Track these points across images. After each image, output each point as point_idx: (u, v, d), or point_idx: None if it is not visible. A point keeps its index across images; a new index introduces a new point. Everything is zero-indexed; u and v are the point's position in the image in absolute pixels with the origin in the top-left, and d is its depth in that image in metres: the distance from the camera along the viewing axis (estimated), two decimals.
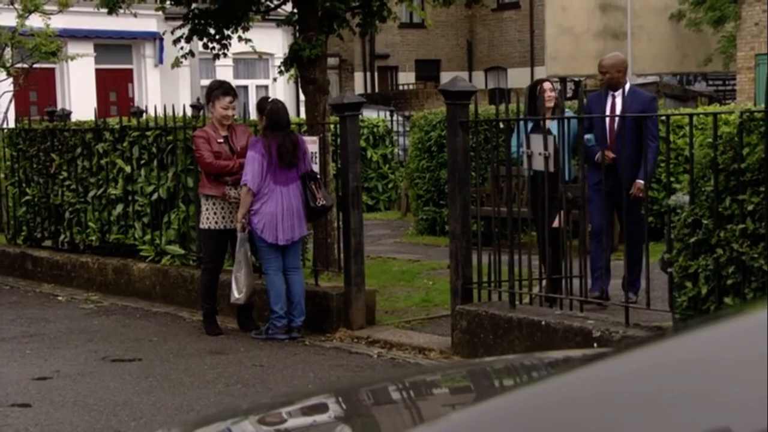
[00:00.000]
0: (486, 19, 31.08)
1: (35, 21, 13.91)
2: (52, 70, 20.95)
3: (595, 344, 5.75)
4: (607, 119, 7.44)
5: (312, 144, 7.84)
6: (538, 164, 6.32)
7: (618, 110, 7.21)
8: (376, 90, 29.32)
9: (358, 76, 29.69)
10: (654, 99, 7.66)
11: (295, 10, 9.18)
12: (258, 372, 6.41)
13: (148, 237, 9.10)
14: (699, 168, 5.25)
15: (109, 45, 22.53)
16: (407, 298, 8.73)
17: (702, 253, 5.17)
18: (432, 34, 30.72)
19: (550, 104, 7.60)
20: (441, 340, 7.02)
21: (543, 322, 6.10)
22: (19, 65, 14.26)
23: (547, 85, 7.86)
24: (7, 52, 13.97)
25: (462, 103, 6.69)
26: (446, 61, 32.13)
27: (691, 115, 5.79)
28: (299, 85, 10.28)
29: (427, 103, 24.59)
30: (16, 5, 13.71)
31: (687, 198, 5.32)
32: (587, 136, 7.39)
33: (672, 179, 6.82)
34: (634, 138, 6.96)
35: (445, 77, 31.94)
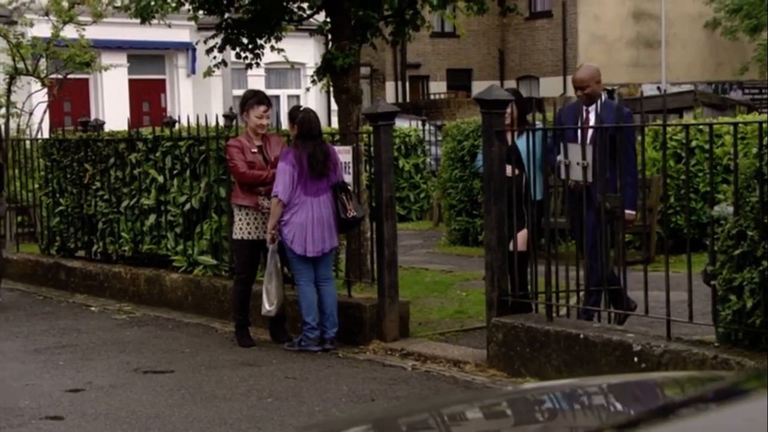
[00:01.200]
0: (518, 27, 30.93)
1: (70, 32, 14.01)
2: (86, 80, 21.10)
3: (636, 359, 5.61)
4: (580, 136, 6.72)
5: (345, 154, 7.77)
6: (576, 174, 6.20)
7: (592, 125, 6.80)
8: (408, 99, 29.26)
9: (390, 86, 29.64)
10: (630, 114, 6.94)
11: (328, 20, 9.13)
12: (291, 385, 6.33)
13: (180, 247, 9.07)
14: (743, 178, 5.11)
15: (142, 55, 22.67)
16: (441, 309, 8.62)
17: (747, 265, 5.03)
18: (463, 43, 30.64)
19: (506, 121, 7.03)
20: (476, 352, 6.90)
21: (581, 336, 5.97)
22: (53, 76, 14.37)
23: None
24: (42, 63, 14.08)
25: (498, 112, 6.58)
26: (478, 71, 32.01)
27: (735, 124, 5.64)
28: (332, 94, 10.25)
29: (459, 112, 24.46)
30: (51, 16, 13.81)
31: (731, 209, 5.18)
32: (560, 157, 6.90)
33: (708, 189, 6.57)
34: (610, 156, 6.43)
35: (477, 86, 31.82)
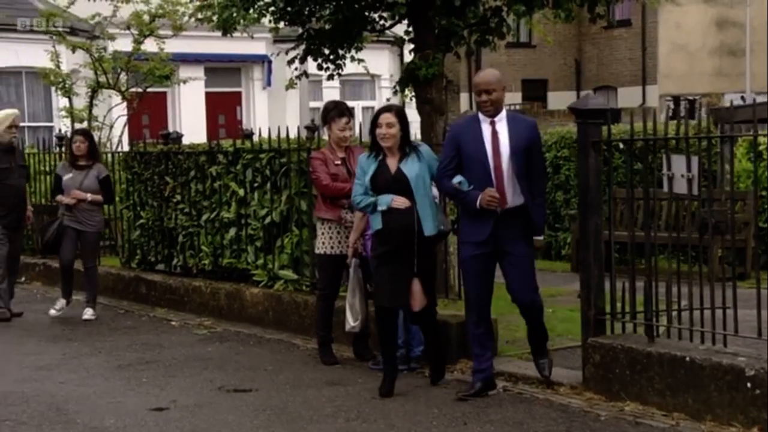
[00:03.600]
0: (595, 37, 30.41)
1: (149, 45, 14.10)
2: (164, 93, 21.30)
3: (749, 384, 5.26)
4: (490, 154, 5.94)
5: None
6: (680, 187, 5.86)
7: (504, 141, 5.97)
8: None
9: (464, 97, 29.29)
10: (536, 125, 6.25)
11: (410, 29, 8.93)
12: (378, 406, 6.11)
13: (260, 261, 8.94)
14: None
15: (219, 68, 22.82)
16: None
17: None
18: (539, 54, 30.28)
19: (386, 144, 6.27)
20: (570, 373, 6.60)
21: (687, 358, 5.62)
22: (133, 89, 14.47)
23: (384, 118, 6.29)
24: (123, 77, 14.20)
25: (594, 122, 6.28)
26: (553, 81, 31.56)
27: None
28: (407, 105, 10.08)
29: None
30: (132, 30, 13.91)
31: None
32: (458, 180, 6.03)
33: None
34: (525, 175, 5.95)
35: (552, 97, 31.40)
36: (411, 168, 6.28)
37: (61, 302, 9.60)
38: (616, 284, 6.27)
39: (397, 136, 6.29)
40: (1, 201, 9.45)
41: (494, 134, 5.98)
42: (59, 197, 9.48)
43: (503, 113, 6.05)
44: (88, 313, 9.45)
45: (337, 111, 7.48)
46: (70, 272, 9.61)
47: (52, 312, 9.58)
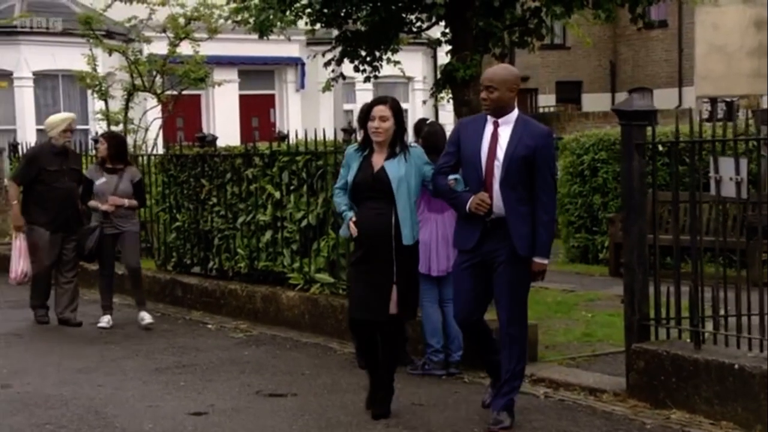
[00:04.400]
0: (631, 38, 30.12)
1: (184, 48, 14.12)
2: (198, 96, 21.36)
3: None
4: (484, 157, 5.48)
5: None
6: (728, 190, 5.72)
7: (503, 144, 5.48)
8: None
9: None
10: (551, 134, 5.65)
11: (447, 30, 8.88)
12: (418, 411, 6.03)
13: (297, 264, 8.89)
14: None
15: (252, 71, 22.85)
16: (567, 331, 8.22)
17: None
18: (573, 55, 30.07)
19: (377, 138, 5.74)
20: (613, 380, 6.48)
21: (736, 366, 5.49)
22: (168, 92, 14.50)
23: (378, 110, 5.77)
24: (158, 80, 14.23)
25: (639, 124, 6.15)
26: (588, 83, 31.30)
27: None
28: (452, 107, 10.01)
29: (569, 125, 23.89)
30: (168, 33, 13.94)
31: None
32: (453, 177, 5.60)
33: None
34: (524, 186, 5.46)
35: (587, 99, 31.15)
36: (396, 169, 5.72)
37: (107, 318, 9.14)
38: (660, 289, 6.14)
39: (390, 131, 5.75)
40: (47, 204, 9.26)
41: (494, 136, 5.51)
42: (94, 203, 9.17)
43: (512, 115, 5.54)
44: (147, 318, 9.09)
45: None
46: (112, 282, 9.41)
47: (101, 325, 9.24)
